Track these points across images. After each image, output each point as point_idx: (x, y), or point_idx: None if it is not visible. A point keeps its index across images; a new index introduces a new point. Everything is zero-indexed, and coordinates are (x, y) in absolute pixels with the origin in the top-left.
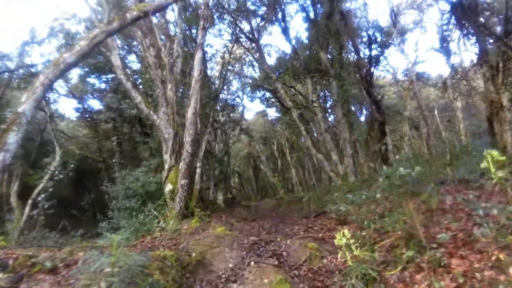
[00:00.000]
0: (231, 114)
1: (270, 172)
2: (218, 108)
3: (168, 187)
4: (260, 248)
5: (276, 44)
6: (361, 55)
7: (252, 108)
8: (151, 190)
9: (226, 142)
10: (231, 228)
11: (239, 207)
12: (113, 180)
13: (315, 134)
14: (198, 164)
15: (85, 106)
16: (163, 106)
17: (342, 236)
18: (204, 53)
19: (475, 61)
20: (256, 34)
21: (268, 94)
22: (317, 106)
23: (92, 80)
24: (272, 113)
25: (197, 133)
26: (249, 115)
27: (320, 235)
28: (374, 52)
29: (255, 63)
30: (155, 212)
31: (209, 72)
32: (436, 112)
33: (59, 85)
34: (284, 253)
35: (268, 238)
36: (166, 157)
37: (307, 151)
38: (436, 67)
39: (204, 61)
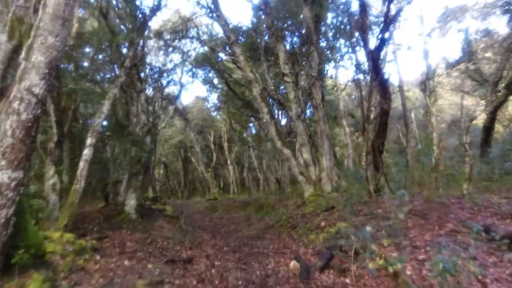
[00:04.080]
0: (166, 90)
1: (203, 167)
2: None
3: None
4: None
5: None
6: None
7: (191, 90)
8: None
9: (154, 122)
10: None
11: (160, 217)
12: None
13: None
14: (90, 141)
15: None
16: None
17: None
18: None
19: None
20: None
21: (211, 74)
22: (289, 82)
23: None
24: (214, 99)
25: (67, 47)
26: (187, 99)
27: None
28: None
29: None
30: None
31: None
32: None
33: None
34: None
35: None
36: None
37: (252, 146)
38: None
39: None
